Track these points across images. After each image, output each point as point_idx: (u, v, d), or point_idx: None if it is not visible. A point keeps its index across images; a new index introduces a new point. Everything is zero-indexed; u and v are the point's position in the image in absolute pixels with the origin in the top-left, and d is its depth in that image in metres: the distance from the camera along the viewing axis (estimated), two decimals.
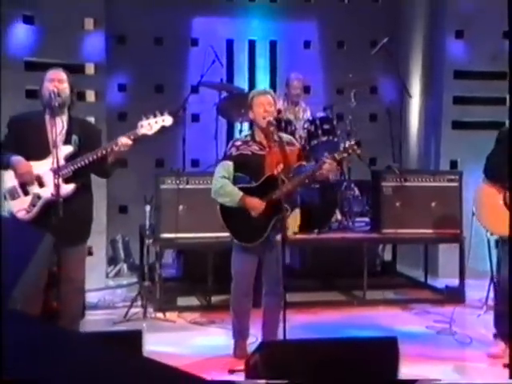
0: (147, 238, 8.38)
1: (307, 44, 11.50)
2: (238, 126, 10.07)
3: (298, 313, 8.27)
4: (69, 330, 5.67)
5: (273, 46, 11.51)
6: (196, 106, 10.63)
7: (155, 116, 6.49)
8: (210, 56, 10.47)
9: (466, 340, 7.35)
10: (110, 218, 9.90)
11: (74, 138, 6.41)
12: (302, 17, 11.43)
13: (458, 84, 10.14)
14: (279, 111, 9.47)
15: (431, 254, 9.88)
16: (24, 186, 6.36)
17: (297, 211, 6.77)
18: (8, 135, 6.56)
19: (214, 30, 11.23)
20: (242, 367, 5.51)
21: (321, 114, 9.64)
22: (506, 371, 6.27)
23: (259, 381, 4.88)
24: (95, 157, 6.27)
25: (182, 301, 8.65)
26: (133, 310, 8.08)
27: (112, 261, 10.08)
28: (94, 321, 7.99)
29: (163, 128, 6.54)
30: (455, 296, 8.69)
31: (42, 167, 6.27)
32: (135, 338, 5.54)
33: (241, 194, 6.41)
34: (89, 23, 9.68)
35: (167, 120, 6.50)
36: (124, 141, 6.31)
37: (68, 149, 6.35)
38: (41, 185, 6.30)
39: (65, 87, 6.44)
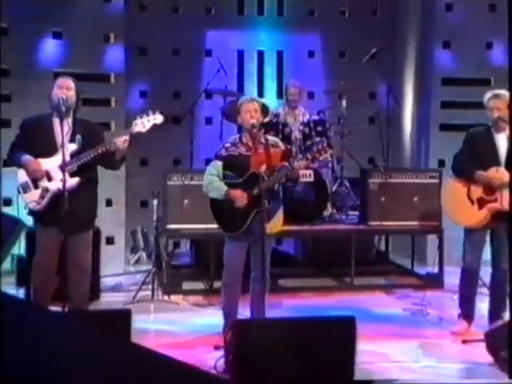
0: (155, 228, 8.56)
1: (311, 54, 11.49)
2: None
3: (290, 297, 8.52)
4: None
5: (279, 55, 11.51)
6: (209, 111, 10.79)
7: (148, 115, 6.64)
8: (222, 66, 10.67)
9: (436, 320, 7.54)
10: (131, 212, 10.12)
11: (78, 137, 6.54)
12: (306, 29, 11.44)
13: (445, 90, 10.20)
14: (277, 115, 9.66)
15: (421, 244, 9.98)
16: (35, 181, 6.50)
17: (280, 214, 6.86)
18: (20, 135, 6.72)
19: (226, 41, 11.26)
20: None
21: (315, 118, 9.74)
22: (464, 347, 6.59)
23: None
24: (96, 153, 6.39)
25: (187, 285, 8.78)
26: (143, 293, 8.24)
27: (133, 250, 10.24)
28: (107, 302, 8.21)
29: (155, 125, 6.66)
30: (435, 282, 8.84)
31: (50, 163, 6.42)
32: (124, 316, 5.76)
33: (226, 188, 6.52)
34: (110, 37, 9.77)
35: (158, 118, 6.65)
36: (119, 140, 6.42)
37: (73, 146, 6.49)
38: (49, 179, 6.44)
39: (72, 94, 6.59)
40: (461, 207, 7.09)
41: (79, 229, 6.52)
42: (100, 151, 6.41)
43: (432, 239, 9.67)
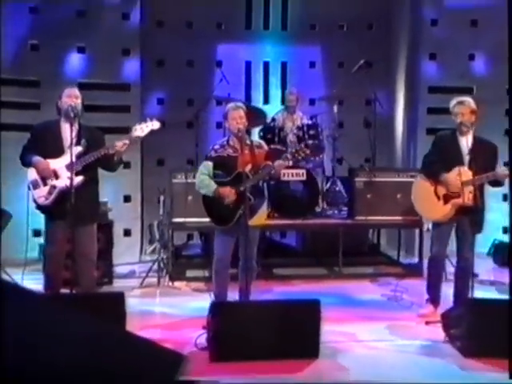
0: (161, 222, 8.83)
1: (312, 64, 11.55)
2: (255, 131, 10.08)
3: (283, 284, 8.71)
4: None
5: (283, 66, 11.56)
6: (219, 116, 10.89)
7: (146, 122, 6.78)
8: (230, 75, 10.79)
9: (408, 305, 7.69)
10: (149, 207, 10.32)
11: (83, 140, 6.67)
12: (308, 42, 11.50)
13: (431, 97, 10.26)
14: (273, 119, 9.82)
15: (410, 238, 10.19)
16: (43, 179, 6.66)
17: (264, 209, 6.94)
18: (31, 139, 6.85)
19: (235, 53, 11.38)
20: None
21: (308, 122, 9.81)
22: (427, 327, 6.79)
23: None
24: (99, 155, 6.57)
25: (191, 273, 8.94)
26: (152, 280, 8.49)
27: (150, 241, 10.38)
28: (118, 287, 8.35)
29: (152, 131, 6.80)
30: (415, 271, 9.04)
31: (58, 164, 6.59)
32: (118, 299, 6.05)
33: (216, 186, 6.65)
34: (128, 51, 9.96)
35: (155, 125, 6.77)
36: (119, 144, 6.59)
37: (78, 149, 6.61)
38: (56, 177, 6.60)
39: (79, 102, 6.72)
40: (428, 203, 7.25)
41: (84, 222, 6.65)
42: (102, 153, 6.59)
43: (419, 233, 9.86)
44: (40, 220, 6.93)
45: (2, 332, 3.17)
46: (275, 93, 11.49)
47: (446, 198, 7.11)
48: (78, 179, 6.57)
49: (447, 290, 7.36)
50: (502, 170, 7.02)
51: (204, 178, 6.77)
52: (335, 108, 10.09)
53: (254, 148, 6.82)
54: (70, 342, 3.41)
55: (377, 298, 8.19)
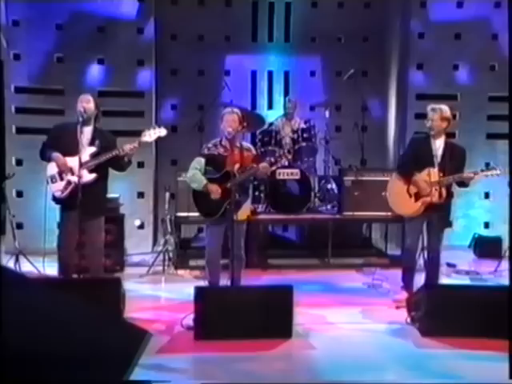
0: (166, 215, 9.07)
1: (313, 73, 11.61)
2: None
3: (275, 273, 8.91)
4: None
5: (286, 75, 11.65)
6: None
7: (154, 128, 7.03)
8: (237, 83, 11.19)
9: (385, 291, 7.89)
10: (163, 203, 10.58)
11: (97, 142, 6.88)
12: (309, 53, 11.56)
13: (419, 104, 10.25)
14: (271, 124, 10.02)
15: (399, 231, 10.35)
16: (61, 174, 6.85)
17: (248, 204, 7.13)
18: (49, 137, 7.04)
19: (242, 63, 11.48)
20: None
21: (303, 126, 9.93)
22: (396, 311, 6.98)
23: None
24: (110, 156, 6.78)
25: (194, 262, 9.08)
26: (159, 268, 8.77)
27: (164, 234, 10.76)
28: (128, 274, 8.69)
29: (159, 137, 7.09)
30: (399, 262, 9.12)
31: (73, 161, 6.74)
32: (115, 283, 6.36)
33: (205, 181, 6.83)
34: (142, 62, 10.18)
35: (162, 132, 7.00)
36: (127, 147, 6.81)
37: (92, 149, 6.85)
38: (72, 173, 6.78)
39: (90, 106, 6.87)
40: (401, 200, 7.43)
41: (93, 214, 6.87)
42: (113, 154, 6.82)
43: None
44: None
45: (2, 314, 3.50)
46: (278, 99, 11.54)
47: (417, 196, 7.27)
48: (91, 176, 6.82)
49: (420, 278, 7.49)
50: (467, 173, 7.15)
51: (195, 173, 6.95)
52: (327, 113, 10.26)
53: (243, 150, 6.98)
54: (51, 323, 3.78)
55: (358, 285, 8.35)
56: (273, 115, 10.97)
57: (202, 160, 7.01)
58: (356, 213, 9.44)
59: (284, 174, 9.36)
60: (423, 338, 6.24)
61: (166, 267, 8.77)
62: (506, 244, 9.43)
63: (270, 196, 9.37)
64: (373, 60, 11.51)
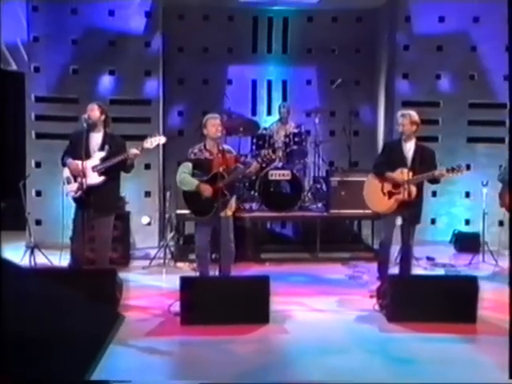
0: (167, 212, 9.34)
1: (309, 82, 11.76)
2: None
3: (264, 266, 9.07)
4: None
5: (284, 84, 11.77)
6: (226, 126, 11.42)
7: (155, 136, 7.24)
8: (239, 91, 11.47)
9: (363, 282, 8.08)
10: (171, 201, 10.93)
11: (106, 146, 7.12)
12: (305, 63, 11.72)
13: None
14: (265, 128, 10.25)
15: None
16: (75, 176, 7.12)
17: (233, 201, 7.25)
18: (69, 144, 7.34)
19: (243, 73, 11.66)
20: None
21: (294, 130, 10.10)
22: (369, 300, 7.11)
23: None
24: (117, 160, 7.02)
25: (193, 255, 8.62)
26: (161, 261, 9.00)
27: (170, 230, 10.89)
28: (133, 266, 8.98)
29: (158, 145, 7.34)
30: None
31: (85, 165, 7.00)
32: (111, 274, 6.63)
33: (197, 182, 6.97)
34: (149, 72, 10.41)
35: (162, 139, 7.22)
36: (133, 152, 7.05)
37: (101, 154, 7.10)
38: (84, 176, 6.99)
39: (94, 114, 7.12)
40: (376, 197, 7.63)
41: (102, 213, 7.15)
42: (120, 159, 7.08)
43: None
44: None
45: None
46: (277, 106, 11.49)
47: (390, 194, 7.47)
48: (100, 179, 7.11)
49: (394, 270, 7.75)
50: (439, 170, 7.30)
51: (185, 176, 7.10)
52: (317, 119, 10.46)
53: (226, 153, 7.15)
54: (37, 309, 3.89)
55: (340, 277, 8.51)
56: (271, 121, 11.16)
57: (190, 164, 7.13)
58: (342, 211, 9.60)
59: (276, 174, 9.59)
60: (389, 323, 6.48)
61: (167, 260, 9.02)
62: (483, 239, 9.57)
63: (264, 195, 9.59)
64: (364, 70, 11.70)
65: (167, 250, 9.11)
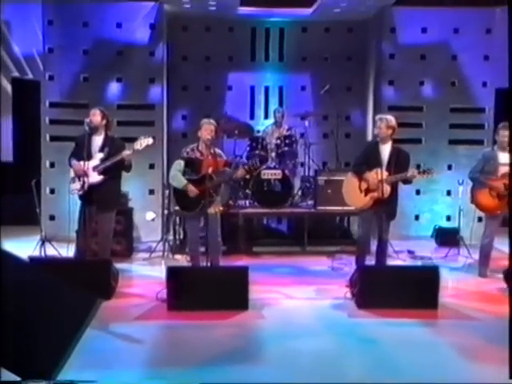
0: (166, 209, 9.59)
1: (303, 88, 11.90)
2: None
3: (257, 258, 9.26)
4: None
5: (280, 89, 11.95)
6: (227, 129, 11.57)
7: (145, 138, 7.48)
8: (238, 97, 11.74)
9: (344, 273, 8.09)
10: (171, 199, 11.03)
11: (106, 148, 7.43)
12: (300, 70, 11.88)
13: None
14: (258, 131, 10.54)
15: None
16: (78, 176, 7.44)
17: (219, 200, 7.43)
18: (75, 147, 7.64)
19: (242, 80, 11.84)
20: None
21: (286, 133, 10.34)
22: (345, 289, 7.20)
23: None
24: (114, 160, 7.32)
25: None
26: (160, 253, 9.22)
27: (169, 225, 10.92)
28: (134, 258, 9.20)
29: (147, 146, 7.51)
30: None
31: (87, 165, 7.30)
32: (106, 264, 6.87)
33: (185, 181, 7.19)
34: (152, 80, 10.61)
35: (150, 141, 7.45)
36: (126, 153, 7.34)
37: (101, 155, 7.41)
38: (86, 176, 7.31)
39: (95, 119, 7.43)
40: (354, 195, 7.79)
41: (104, 209, 7.47)
42: (117, 159, 7.36)
43: None
44: None
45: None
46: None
47: (367, 192, 7.65)
48: (99, 178, 7.42)
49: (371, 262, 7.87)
50: (411, 171, 7.47)
51: (176, 174, 7.34)
52: (306, 122, 10.63)
53: (216, 156, 7.42)
54: (28, 295, 4.09)
55: (323, 268, 8.66)
56: (268, 124, 11.34)
57: (182, 162, 7.36)
58: (328, 207, 9.71)
59: (268, 174, 9.81)
60: (359, 310, 6.72)
61: (165, 253, 9.25)
62: (461, 233, 9.70)
63: (256, 193, 9.82)
64: (355, 77, 11.86)
65: (164, 244, 9.32)
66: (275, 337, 5.95)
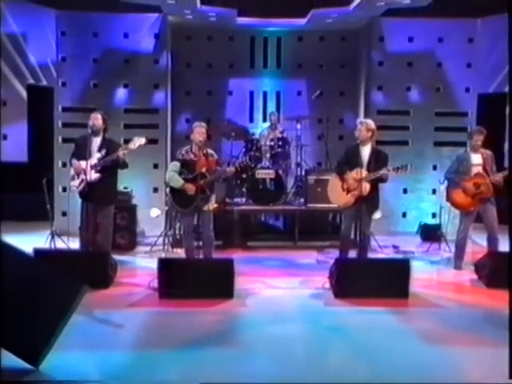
0: (166, 206, 9.75)
1: (299, 93, 12.02)
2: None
3: (250, 252, 9.42)
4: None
5: (278, 94, 12.09)
6: (227, 131, 11.62)
7: (138, 138, 7.62)
8: (238, 101, 11.92)
9: (328, 266, 7.83)
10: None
11: (104, 149, 7.59)
12: (296, 76, 12.00)
13: (379, 118, 10.48)
14: (253, 134, 10.67)
15: None
16: (78, 174, 7.63)
17: (213, 197, 7.62)
18: (75, 147, 7.83)
19: (242, 85, 12.01)
20: None
21: (279, 136, 10.52)
22: (326, 280, 7.31)
23: None
24: (110, 159, 7.48)
25: None
26: (160, 247, 9.36)
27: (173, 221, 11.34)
28: (137, 251, 9.42)
29: (140, 146, 7.60)
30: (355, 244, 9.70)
31: (85, 164, 7.47)
32: (104, 256, 7.08)
33: (182, 181, 7.38)
34: (157, 86, 10.83)
35: (142, 141, 7.55)
36: (120, 152, 7.50)
37: (99, 155, 7.57)
38: (85, 173, 7.48)
39: (97, 122, 7.62)
40: (337, 193, 8.00)
41: (103, 205, 7.67)
42: (113, 158, 7.55)
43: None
44: None
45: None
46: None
47: (349, 191, 7.85)
48: (97, 175, 7.61)
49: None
50: (383, 170, 7.64)
51: (173, 174, 7.52)
52: (298, 126, 10.81)
53: (208, 156, 7.61)
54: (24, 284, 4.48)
55: (310, 262, 8.80)
56: (266, 127, 11.53)
57: (178, 164, 7.56)
58: (317, 205, 9.84)
59: (262, 173, 10.02)
60: (335, 299, 6.90)
61: (165, 246, 9.44)
62: (443, 229, 9.81)
63: (251, 191, 10.03)
64: (348, 82, 12.00)
65: (164, 238, 9.51)
66: (254, 323, 6.14)
